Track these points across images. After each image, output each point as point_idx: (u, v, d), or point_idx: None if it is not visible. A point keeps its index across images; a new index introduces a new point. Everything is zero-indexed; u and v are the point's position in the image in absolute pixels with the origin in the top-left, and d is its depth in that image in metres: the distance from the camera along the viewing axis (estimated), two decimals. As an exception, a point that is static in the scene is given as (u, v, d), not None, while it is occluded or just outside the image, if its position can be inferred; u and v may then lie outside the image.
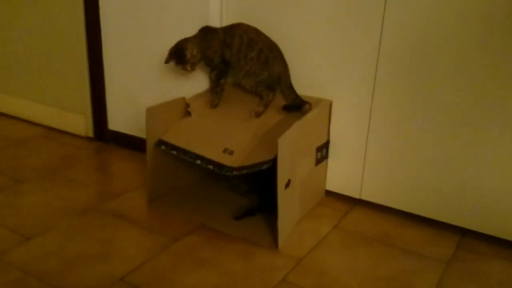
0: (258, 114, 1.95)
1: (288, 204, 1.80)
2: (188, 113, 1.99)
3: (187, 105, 1.99)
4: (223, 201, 2.05)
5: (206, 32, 1.97)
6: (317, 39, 1.96)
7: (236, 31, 1.94)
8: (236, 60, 1.94)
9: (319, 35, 1.95)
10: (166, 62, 1.96)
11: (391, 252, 1.76)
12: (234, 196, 2.08)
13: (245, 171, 1.75)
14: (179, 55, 1.92)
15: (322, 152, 2.01)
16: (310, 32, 1.97)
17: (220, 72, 1.97)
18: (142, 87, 2.41)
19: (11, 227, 1.83)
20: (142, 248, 1.73)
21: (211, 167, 1.79)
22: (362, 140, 1.97)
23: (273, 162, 1.70)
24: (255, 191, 2.03)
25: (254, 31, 1.94)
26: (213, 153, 1.82)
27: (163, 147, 1.88)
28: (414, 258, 1.73)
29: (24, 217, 1.90)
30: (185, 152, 1.85)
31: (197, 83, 2.20)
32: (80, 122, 2.68)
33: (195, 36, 1.96)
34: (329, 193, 2.12)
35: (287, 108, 1.94)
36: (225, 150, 1.82)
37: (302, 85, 2.00)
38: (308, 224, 1.92)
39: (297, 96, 1.94)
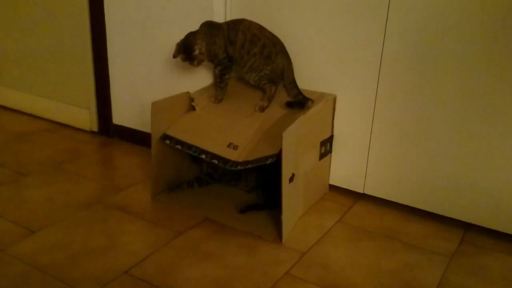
0: (262, 109, 1.95)
1: (292, 198, 1.80)
2: (192, 108, 1.99)
3: (192, 100, 1.99)
4: (227, 195, 2.05)
5: (211, 27, 1.96)
6: (321, 34, 1.96)
7: (239, 27, 1.94)
8: (240, 56, 1.94)
9: (323, 30, 1.95)
10: (174, 56, 1.94)
11: (395, 246, 1.77)
12: (238, 190, 2.08)
13: (249, 166, 1.75)
14: (187, 51, 1.92)
15: (326, 146, 2.01)
16: (314, 27, 1.96)
17: (224, 67, 1.97)
18: (147, 82, 2.41)
19: (16, 221, 1.84)
20: (146, 242, 1.74)
21: (215, 161, 1.79)
22: (366, 134, 1.97)
23: (278, 156, 1.70)
24: (260, 188, 2.03)
25: (257, 26, 1.94)
26: (218, 148, 1.82)
27: (167, 141, 1.89)
28: (418, 252, 1.74)
29: (28, 210, 1.91)
30: (190, 146, 1.85)
31: (201, 77, 2.20)
32: (84, 116, 2.69)
33: (201, 31, 1.95)
34: (332, 188, 2.12)
35: (290, 105, 1.94)
36: (229, 145, 1.83)
37: (307, 80, 2.01)
38: (312, 218, 1.93)
39: (299, 92, 1.94)
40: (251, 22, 1.95)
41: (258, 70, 1.93)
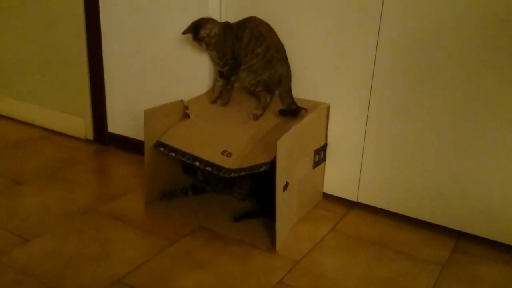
0: (256, 117, 1.96)
1: (286, 207, 1.81)
2: (187, 115, 2.00)
3: (186, 108, 2.00)
4: (220, 203, 2.05)
5: (227, 26, 1.98)
6: (315, 43, 1.97)
7: (248, 24, 1.95)
8: (244, 53, 1.95)
9: (316, 39, 1.96)
10: (183, 33, 1.97)
11: (388, 255, 1.77)
12: (232, 199, 2.08)
13: (243, 173, 1.76)
14: (195, 31, 1.94)
15: (320, 155, 2.02)
16: (308, 36, 1.98)
17: (231, 68, 1.98)
18: (142, 90, 2.42)
19: (10, 229, 1.84)
20: (140, 250, 1.74)
21: (209, 168, 1.80)
22: (360, 143, 1.98)
23: (271, 164, 1.71)
24: (254, 196, 2.03)
25: (266, 26, 1.96)
26: (212, 155, 1.82)
27: (161, 148, 1.89)
28: (410, 261, 1.74)
29: (23, 218, 1.91)
30: (184, 153, 1.86)
31: (196, 86, 2.21)
32: (80, 125, 2.70)
33: (219, 22, 1.97)
34: (326, 196, 2.12)
35: (283, 113, 1.95)
36: (223, 152, 1.83)
37: (301, 89, 2.02)
38: (306, 227, 1.93)
39: (293, 102, 1.96)
40: (261, 20, 1.97)
41: (257, 74, 1.94)
